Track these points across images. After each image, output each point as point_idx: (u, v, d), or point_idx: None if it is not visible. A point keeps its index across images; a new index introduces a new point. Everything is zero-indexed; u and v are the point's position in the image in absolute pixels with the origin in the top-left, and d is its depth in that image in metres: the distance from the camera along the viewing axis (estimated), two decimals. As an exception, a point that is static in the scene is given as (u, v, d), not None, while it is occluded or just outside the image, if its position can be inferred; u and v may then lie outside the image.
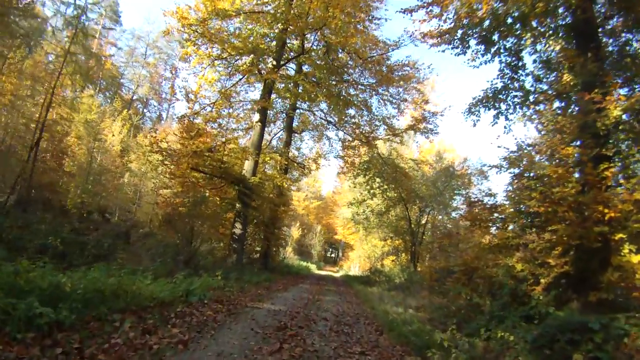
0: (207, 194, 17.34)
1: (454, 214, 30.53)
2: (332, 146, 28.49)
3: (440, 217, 31.39)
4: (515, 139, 12.09)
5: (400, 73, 23.17)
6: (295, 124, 26.88)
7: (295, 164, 27.23)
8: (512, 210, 11.17)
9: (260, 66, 19.98)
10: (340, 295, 16.26)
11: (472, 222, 12.38)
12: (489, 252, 11.56)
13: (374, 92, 23.78)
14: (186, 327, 6.83)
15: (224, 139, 19.42)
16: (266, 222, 23.55)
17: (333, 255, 63.90)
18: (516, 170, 11.65)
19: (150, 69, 53.70)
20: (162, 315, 7.31)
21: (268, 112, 26.65)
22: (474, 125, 15.33)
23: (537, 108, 12.90)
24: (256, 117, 20.43)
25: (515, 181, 11.53)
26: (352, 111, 23.98)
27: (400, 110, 24.74)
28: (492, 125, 14.73)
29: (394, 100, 24.18)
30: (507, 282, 9.68)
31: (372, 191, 27.58)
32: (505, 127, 14.57)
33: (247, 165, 19.82)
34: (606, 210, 8.08)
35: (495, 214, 11.79)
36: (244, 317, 8.48)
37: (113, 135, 27.87)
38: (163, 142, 18.82)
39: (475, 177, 28.31)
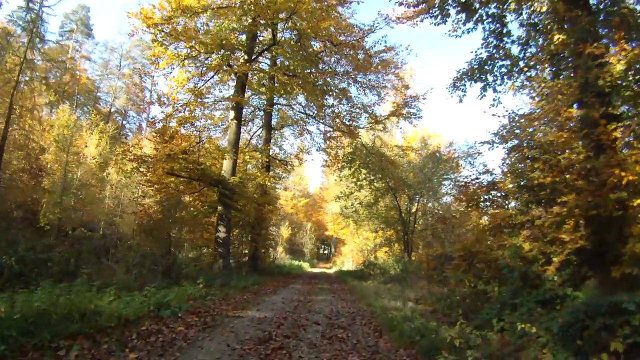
0: (183, 197, 16.00)
1: (443, 200, 29.65)
2: (313, 140, 27.07)
3: (429, 204, 30.38)
4: (507, 111, 10.93)
5: (378, 59, 22.06)
6: (274, 121, 25.66)
7: (277, 161, 25.98)
8: (512, 185, 10.05)
9: (231, 62, 18.70)
10: (333, 293, 15.06)
11: (469, 203, 11.25)
12: (490, 234, 10.42)
13: (352, 80, 22.59)
14: (147, 350, 5.59)
15: (198, 141, 18.07)
16: (252, 223, 22.30)
17: (326, 252, 62.65)
18: (511, 144, 10.59)
19: (126, 80, 51.99)
20: (123, 337, 6.09)
21: (244, 110, 25.44)
22: (460, 101, 14.26)
23: (529, 74, 11.85)
24: (231, 114, 19.15)
25: (513, 154, 10.43)
26: (331, 100, 22.77)
27: (380, 97, 23.62)
28: (480, 99, 13.69)
29: (373, 87, 23.03)
30: (516, 264, 8.53)
31: (358, 183, 26.41)
32: (494, 100, 13.55)
33: (226, 165, 18.55)
34: (623, 174, 6.95)
35: (493, 192, 10.66)
36: (222, 330, 7.23)
37: (86, 146, 26.36)
38: (136, 148, 17.56)
39: (463, 160, 27.30)
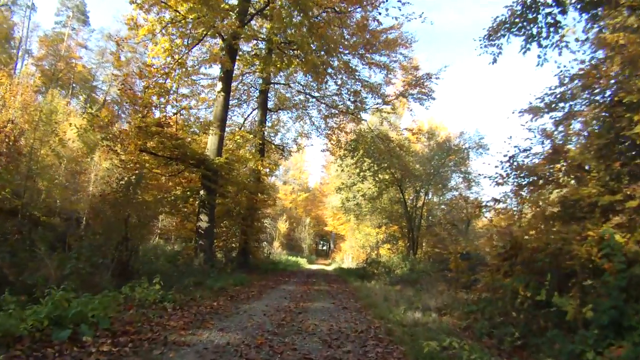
0: (145, 172, 12.64)
1: (450, 194, 26.43)
2: (313, 124, 23.57)
3: (435, 198, 27.11)
4: (562, 67, 7.80)
5: (387, 35, 18.87)
6: (271, 103, 22.37)
7: (273, 146, 22.64)
8: (590, 153, 6.72)
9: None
10: (333, 297, 11.72)
11: (523, 183, 7.99)
12: (557, 223, 7.12)
13: (357, 57, 19.25)
14: None
15: (175, 111, 14.75)
16: (243, 213, 19.01)
17: (324, 248, 59.21)
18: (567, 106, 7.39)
19: (122, 68, 48.57)
20: None
21: (238, 91, 22.24)
22: (494, 61, 11.04)
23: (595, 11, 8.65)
24: (219, 86, 15.79)
25: (585, 111, 7.17)
26: (333, 84, 19.51)
27: (388, 75, 20.28)
28: (523, 54, 10.43)
29: (381, 65, 19.72)
30: (620, 265, 5.21)
31: (361, 174, 23.10)
32: (539, 57, 10.35)
33: (210, 142, 15.26)
34: None
35: (561, 163, 7.35)
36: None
37: (71, 125, 22.90)
38: (105, 120, 14.32)
39: (474, 152, 24.00)
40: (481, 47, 10.80)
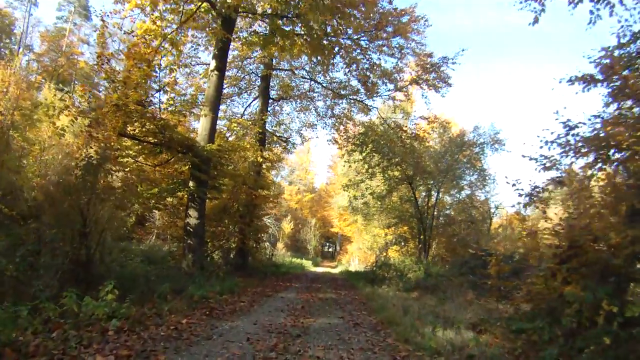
0: (108, 153, 10.37)
1: (463, 193, 24.07)
2: (319, 115, 21.23)
3: (447, 197, 24.73)
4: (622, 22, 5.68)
5: (397, 20, 16.64)
6: (274, 93, 20.14)
7: (275, 137, 20.37)
8: None
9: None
10: (341, 309, 9.45)
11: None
12: None
13: (367, 40, 16.99)
14: None
15: (158, 88, 12.51)
16: (241, 211, 16.79)
17: (330, 249, 56.75)
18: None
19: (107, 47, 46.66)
20: None
21: (240, 80, 20.09)
22: (535, 21, 8.75)
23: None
24: (212, 64, 13.56)
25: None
26: (340, 68, 17.26)
27: (400, 60, 17.98)
28: (574, 6, 8.23)
29: (394, 47, 17.44)
30: None
31: (370, 170, 20.87)
32: (591, 13, 8.20)
33: (202, 126, 13.07)
34: None
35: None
36: None
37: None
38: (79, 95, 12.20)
39: (490, 147, 21.63)
40: (521, 2, 8.59)
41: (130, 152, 12.18)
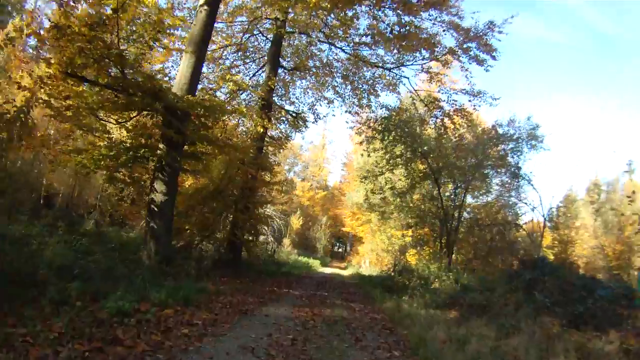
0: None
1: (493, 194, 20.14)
2: (337, 93, 17.39)
3: (470, 198, 20.70)
4: None
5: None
6: (285, 65, 16.46)
7: (283, 111, 16.52)
8: None
9: None
10: (358, 342, 5.57)
11: None
12: None
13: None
14: None
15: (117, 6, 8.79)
16: (236, 195, 13.11)
17: (340, 249, 52.88)
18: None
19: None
20: None
21: (249, 48, 16.48)
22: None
23: None
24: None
25: None
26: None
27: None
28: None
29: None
30: None
31: (391, 161, 17.10)
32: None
33: (179, 72, 9.43)
34: None
35: None
36: None
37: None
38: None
39: (525, 143, 17.51)
40: None
41: (89, 102, 8.65)
